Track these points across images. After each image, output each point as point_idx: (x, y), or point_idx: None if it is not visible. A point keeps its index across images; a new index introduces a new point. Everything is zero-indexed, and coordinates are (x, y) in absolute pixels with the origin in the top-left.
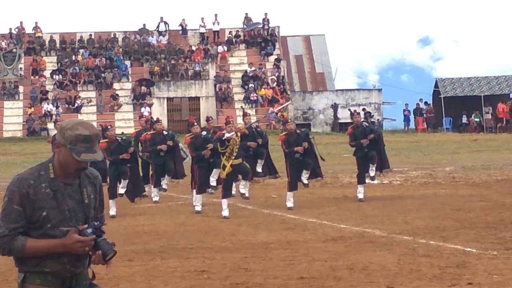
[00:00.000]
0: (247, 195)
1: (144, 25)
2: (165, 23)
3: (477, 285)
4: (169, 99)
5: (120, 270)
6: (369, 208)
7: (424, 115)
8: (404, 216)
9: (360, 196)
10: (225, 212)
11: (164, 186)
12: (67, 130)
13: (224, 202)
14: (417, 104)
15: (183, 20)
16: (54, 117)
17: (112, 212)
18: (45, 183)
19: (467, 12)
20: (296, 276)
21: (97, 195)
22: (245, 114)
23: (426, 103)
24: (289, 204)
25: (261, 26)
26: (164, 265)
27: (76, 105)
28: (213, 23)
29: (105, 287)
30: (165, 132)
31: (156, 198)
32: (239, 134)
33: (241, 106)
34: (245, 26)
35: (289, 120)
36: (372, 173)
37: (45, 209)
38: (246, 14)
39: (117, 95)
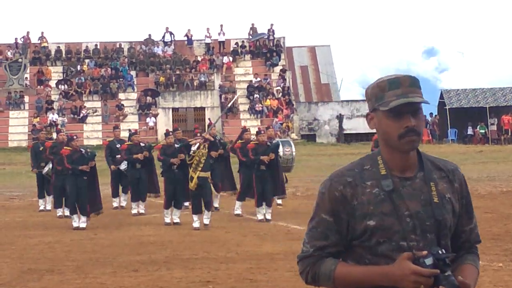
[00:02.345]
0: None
1: (149, 35)
2: (171, 33)
3: None
4: (175, 110)
5: (125, 280)
6: None
7: (429, 125)
8: None
9: None
10: (196, 224)
11: (142, 211)
12: (369, 89)
13: (195, 216)
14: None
15: (189, 30)
16: (59, 127)
17: (76, 224)
18: (371, 180)
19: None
20: (302, 287)
21: (459, 196)
22: (210, 125)
23: (431, 114)
24: (260, 216)
25: (266, 36)
26: (169, 276)
27: (81, 115)
28: (219, 34)
29: None
30: (142, 144)
31: (135, 211)
32: (206, 145)
33: (209, 118)
34: (250, 37)
35: (262, 132)
36: None
37: (373, 216)
38: (252, 24)
39: (123, 105)
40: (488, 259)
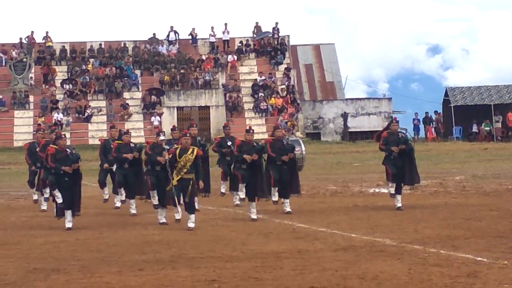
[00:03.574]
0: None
1: (154, 34)
2: (175, 32)
3: None
4: (179, 108)
5: (130, 279)
6: (379, 217)
7: (434, 123)
8: (414, 225)
9: (399, 204)
10: (177, 216)
11: (133, 211)
12: None
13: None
14: (426, 113)
15: (193, 29)
16: (64, 126)
17: (69, 224)
18: None
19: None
20: (307, 285)
21: None
22: (191, 125)
23: (436, 112)
24: (253, 215)
25: (271, 35)
26: (174, 275)
27: (86, 114)
28: (223, 32)
29: None
30: (132, 145)
31: (118, 204)
32: (195, 150)
33: (192, 118)
34: (255, 35)
35: (251, 131)
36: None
37: None
38: (256, 23)
39: (127, 104)
40: (494, 257)
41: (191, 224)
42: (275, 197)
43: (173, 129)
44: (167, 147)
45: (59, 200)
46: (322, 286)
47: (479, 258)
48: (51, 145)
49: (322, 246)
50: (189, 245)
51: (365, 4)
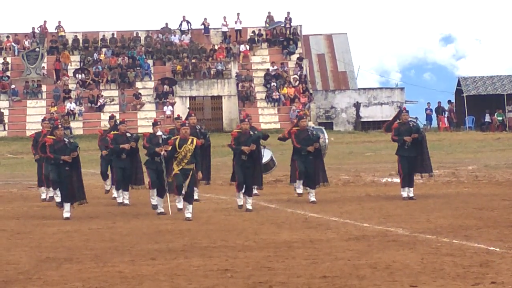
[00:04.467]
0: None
1: (166, 24)
2: (188, 22)
3: (501, 284)
4: (192, 98)
5: (143, 268)
6: (392, 207)
7: (446, 113)
8: (427, 215)
9: (411, 194)
10: (180, 205)
11: (126, 201)
12: None
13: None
14: (439, 102)
15: (205, 19)
16: (76, 116)
17: (67, 214)
18: None
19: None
20: (319, 275)
21: None
22: (189, 115)
23: (449, 101)
24: (239, 202)
25: (283, 25)
26: (187, 264)
27: (98, 104)
28: (235, 22)
29: (129, 286)
30: (128, 134)
31: (120, 200)
32: (194, 140)
33: (188, 107)
34: (267, 25)
35: (246, 120)
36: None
37: None
38: (269, 13)
39: (140, 94)
40: (507, 247)
41: (188, 215)
42: (300, 190)
43: (177, 118)
44: (163, 136)
45: (58, 199)
46: (334, 276)
47: (492, 248)
48: (48, 136)
49: (334, 235)
50: (202, 234)
51: None
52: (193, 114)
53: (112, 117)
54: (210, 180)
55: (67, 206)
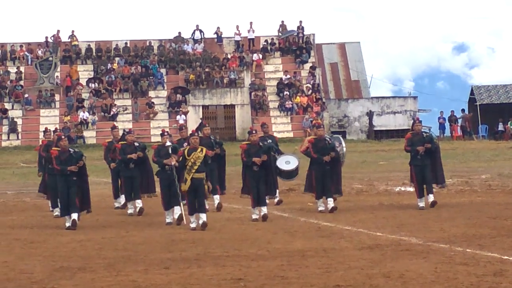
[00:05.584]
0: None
1: (179, 33)
2: (200, 31)
3: None
4: (205, 107)
5: (156, 277)
6: (405, 216)
7: (459, 121)
8: (440, 224)
9: (431, 199)
10: (193, 225)
11: (130, 211)
12: None
13: (191, 217)
14: (452, 111)
15: (218, 28)
16: (90, 125)
17: (69, 224)
18: None
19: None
20: (333, 284)
21: None
22: (202, 125)
23: (463, 110)
24: (254, 216)
25: (296, 33)
26: (200, 273)
27: (112, 113)
28: (248, 31)
29: None
30: (136, 144)
31: (131, 211)
32: (204, 149)
33: (201, 118)
34: (280, 34)
35: (254, 132)
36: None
37: None
38: (282, 21)
39: (153, 103)
40: None
41: (203, 219)
42: (322, 207)
43: (180, 128)
44: (170, 144)
45: (56, 213)
46: (348, 285)
47: (506, 257)
48: (53, 148)
49: (347, 244)
50: (215, 243)
51: (390, 2)
52: (206, 125)
53: (114, 127)
54: (225, 189)
55: (67, 217)
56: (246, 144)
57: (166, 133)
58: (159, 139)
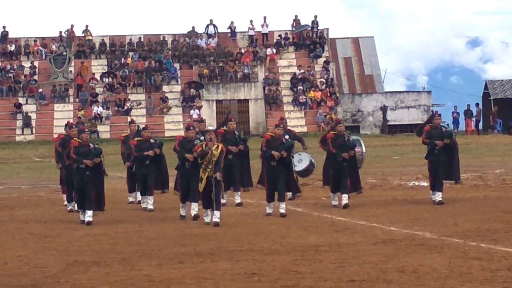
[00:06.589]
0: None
1: (193, 27)
2: (214, 25)
3: None
4: (218, 102)
5: (170, 272)
6: (419, 211)
7: (473, 116)
8: (454, 218)
9: (439, 198)
10: (207, 219)
11: (150, 207)
12: None
13: (206, 211)
14: (468, 105)
15: (232, 22)
16: (104, 119)
17: (83, 217)
18: None
19: None
20: (346, 278)
21: None
22: (229, 119)
23: (477, 104)
24: (268, 210)
25: (310, 28)
26: (214, 267)
27: (125, 107)
28: (262, 26)
29: None
30: (152, 140)
31: (144, 205)
32: (220, 146)
33: (228, 111)
34: (294, 29)
35: (281, 125)
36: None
37: None
38: (295, 16)
39: (167, 97)
40: None
41: (216, 219)
42: (335, 201)
43: (200, 120)
44: (197, 141)
45: (70, 207)
46: (362, 279)
47: None
48: (74, 138)
49: (361, 239)
50: (229, 238)
51: None
52: (232, 119)
53: (132, 122)
54: (251, 185)
55: (86, 212)
56: (270, 135)
57: (191, 127)
58: (172, 133)
